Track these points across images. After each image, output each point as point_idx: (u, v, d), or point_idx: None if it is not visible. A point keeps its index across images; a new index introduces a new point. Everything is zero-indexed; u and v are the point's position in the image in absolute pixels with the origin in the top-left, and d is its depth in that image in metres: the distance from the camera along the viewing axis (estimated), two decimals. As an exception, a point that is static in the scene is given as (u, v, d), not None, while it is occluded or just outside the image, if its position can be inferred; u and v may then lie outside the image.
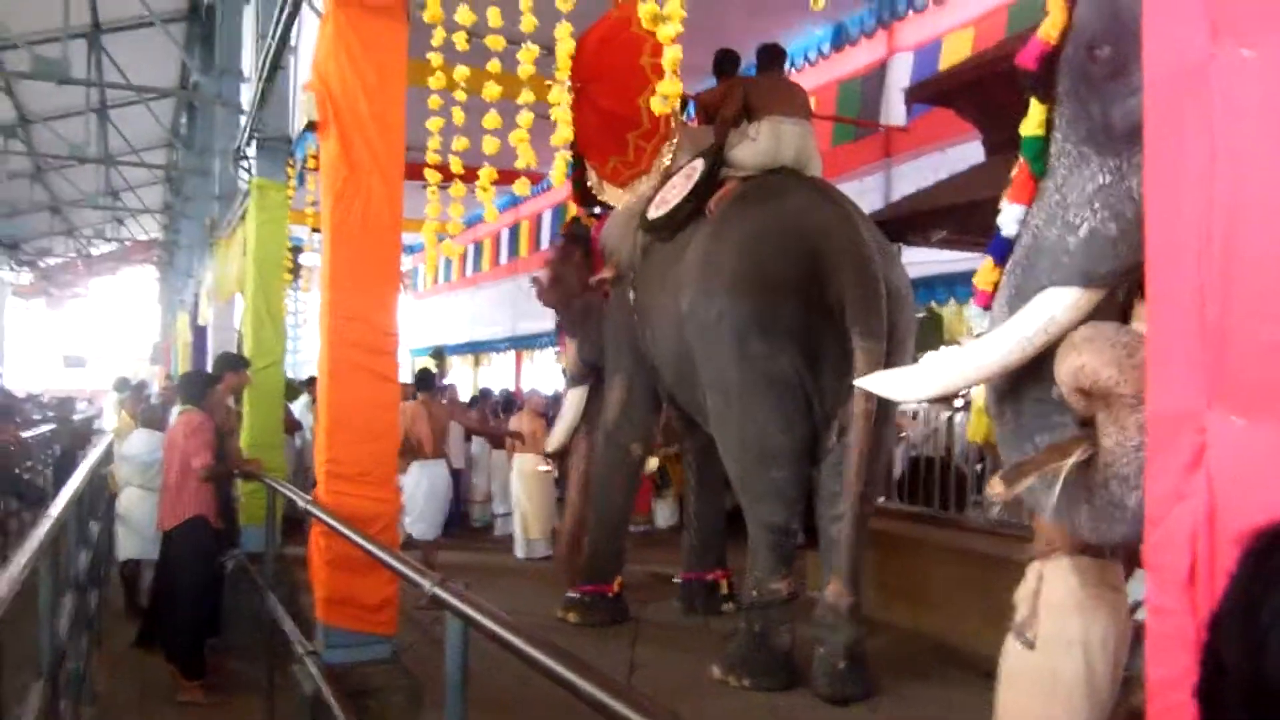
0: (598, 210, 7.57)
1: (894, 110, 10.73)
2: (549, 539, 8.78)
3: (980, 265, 2.89)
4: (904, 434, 8.31)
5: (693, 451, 7.31)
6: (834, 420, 5.31)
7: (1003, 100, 6.83)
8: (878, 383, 3.41)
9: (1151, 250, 1.74)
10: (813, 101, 11.64)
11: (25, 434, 11.52)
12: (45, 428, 12.92)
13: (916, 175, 10.02)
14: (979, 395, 2.90)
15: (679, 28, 2.47)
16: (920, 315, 12.56)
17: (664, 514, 10.70)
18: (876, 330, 5.03)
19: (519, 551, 9.01)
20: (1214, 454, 1.55)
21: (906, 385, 3.41)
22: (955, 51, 9.59)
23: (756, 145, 6.02)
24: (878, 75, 11.00)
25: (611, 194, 6.67)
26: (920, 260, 8.93)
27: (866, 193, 11.01)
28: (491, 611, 2.14)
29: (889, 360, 5.09)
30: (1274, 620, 0.50)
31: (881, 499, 7.68)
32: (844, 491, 5.06)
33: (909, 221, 7.27)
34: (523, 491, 9.01)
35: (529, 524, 8.97)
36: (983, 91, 6.79)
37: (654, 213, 6.32)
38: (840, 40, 10.79)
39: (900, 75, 10.57)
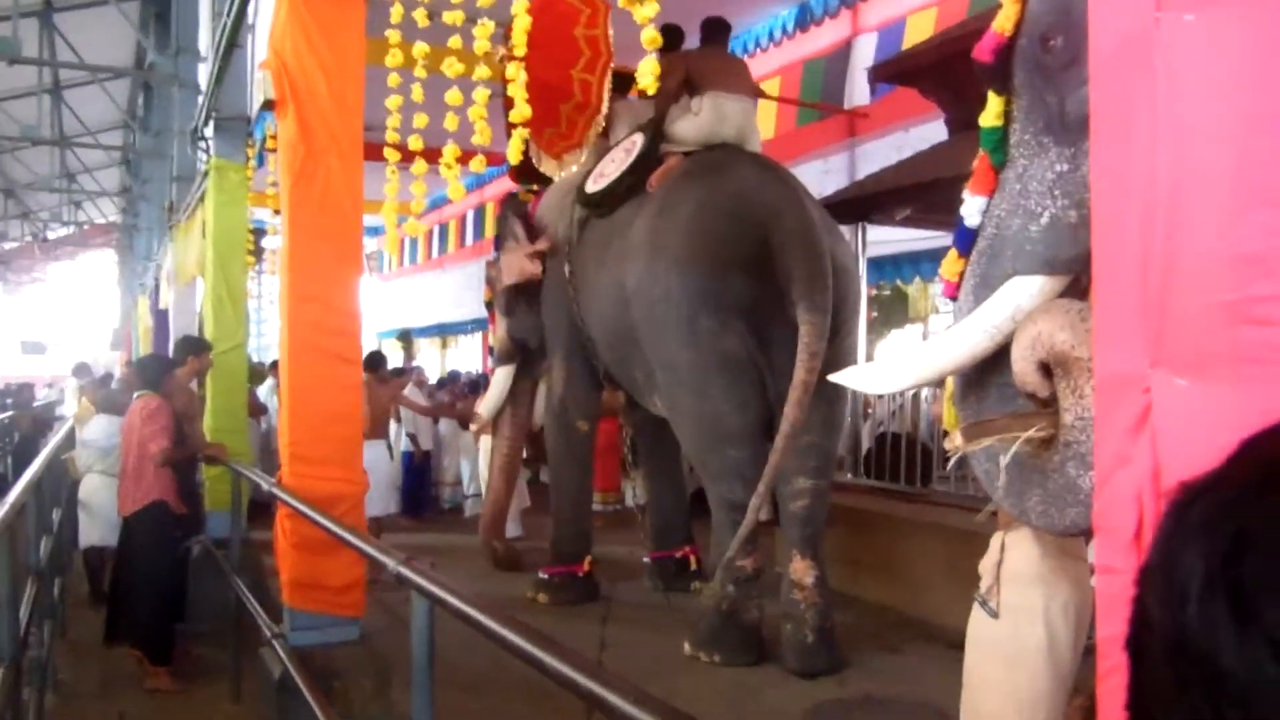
0: (535, 186, 7.47)
1: (858, 90, 10.75)
2: (518, 521, 8.77)
3: (945, 256, 2.91)
4: (870, 410, 8.38)
5: (638, 429, 7.30)
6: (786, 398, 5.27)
7: (965, 80, 6.92)
8: (851, 377, 3.43)
9: (1097, 216, 1.77)
10: (777, 82, 11.81)
11: (-18, 422, 11.36)
12: (3, 414, 12.71)
13: (881, 155, 10.05)
14: (950, 385, 2.92)
15: (657, 7, 2.47)
16: (886, 293, 12.80)
17: (634, 493, 10.70)
18: (821, 304, 5.01)
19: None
20: (1158, 415, 1.58)
21: (879, 379, 3.44)
22: (919, 31, 9.62)
23: (697, 120, 5.97)
24: (841, 55, 11.02)
25: (548, 166, 6.54)
26: (885, 239, 8.98)
27: (832, 172, 11.05)
28: (457, 590, 2.14)
29: (836, 335, 5.16)
30: (1191, 573, 0.51)
31: (849, 475, 7.77)
32: (769, 458, 4.92)
33: (873, 200, 7.30)
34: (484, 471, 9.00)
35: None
36: (945, 71, 6.83)
37: (592, 186, 6.22)
38: (805, 20, 10.79)
39: (864, 55, 10.60)
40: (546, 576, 6.78)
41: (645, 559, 7.35)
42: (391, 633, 5.24)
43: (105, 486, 6.97)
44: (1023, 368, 2.47)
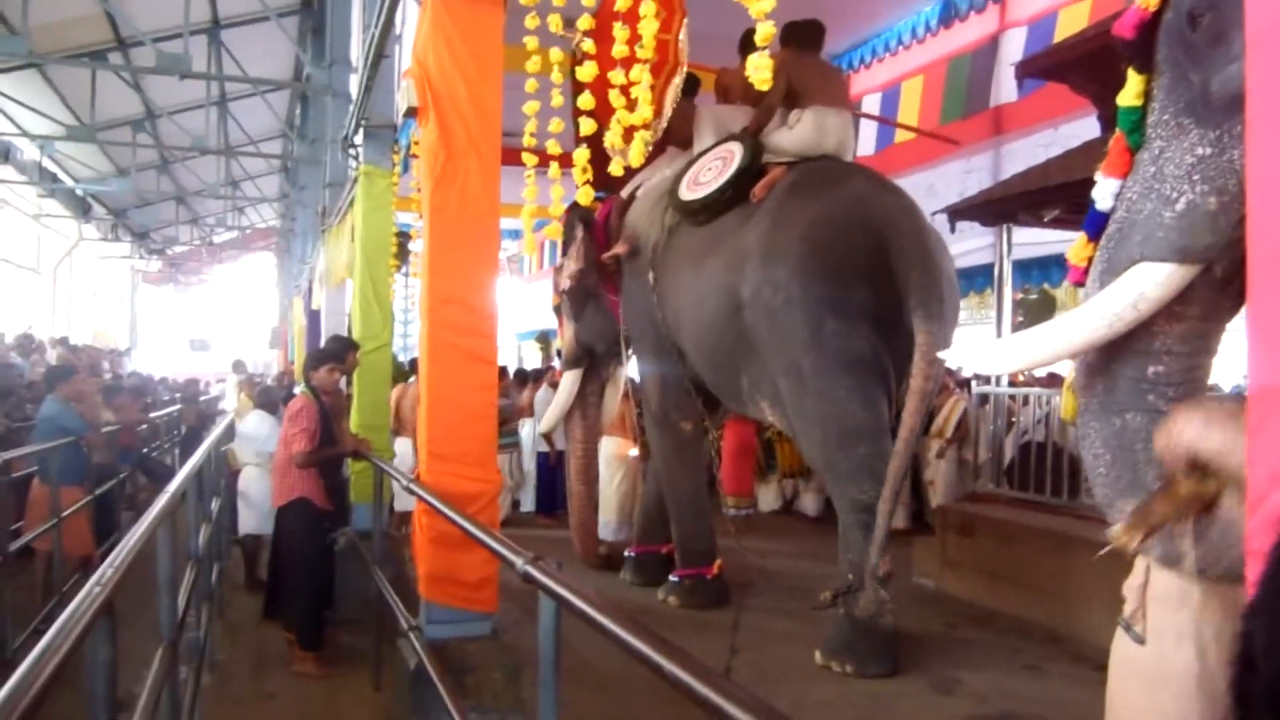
0: (600, 194, 7.44)
1: (1004, 87, 10.42)
2: (623, 523, 8.68)
3: (1075, 240, 2.79)
4: (1014, 419, 8.08)
5: (666, 434, 7.08)
6: (897, 398, 5.35)
7: (1121, 74, 6.60)
8: (964, 355, 3.34)
9: (1255, 207, 1.65)
10: (920, 80, 11.55)
11: (154, 414, 12.10)
12: (172, 409, 13.52)
13: (1027, 153, 9.73)
14: (1070, 374, 2.80)
15: (773, 2, 2.43)
16: (1033, 297, 12.33)
17: (768, 498, 10.61)
18: (938, 313, 5.07)
19: (602, 532, 9.03)
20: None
21: (992, 359, 3.34)
22: (1071, 25, 9.25)
23: (797, 133, 5.98)
24: (988, 51, 10.69)
25: (615, 168, 6.56)
26: (1031, 240, 8.67)
27: (974, 171, 10.74)
28: (582, 591, 2.15)
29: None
30: None
31: (990, 485, 7.52)
32: (892, 461, 5.00)
33: (1020, 200, 7.03)
34: (605, 473, 9.06)
35: (603, 505, 9.01)
36: (1098, 65, 6.52)
37: (688, 194, 6.20)
38: (949, 16, 10.50)
39: (1012, 51, 10.25)
40: (677, 579, 6.77)
41: (629, 552, 7.45)
42: (523, 628, 5.34)
43: (260, 478, 7.35)
44: (1170, 464, 2.32)
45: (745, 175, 5.89)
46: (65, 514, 6.38)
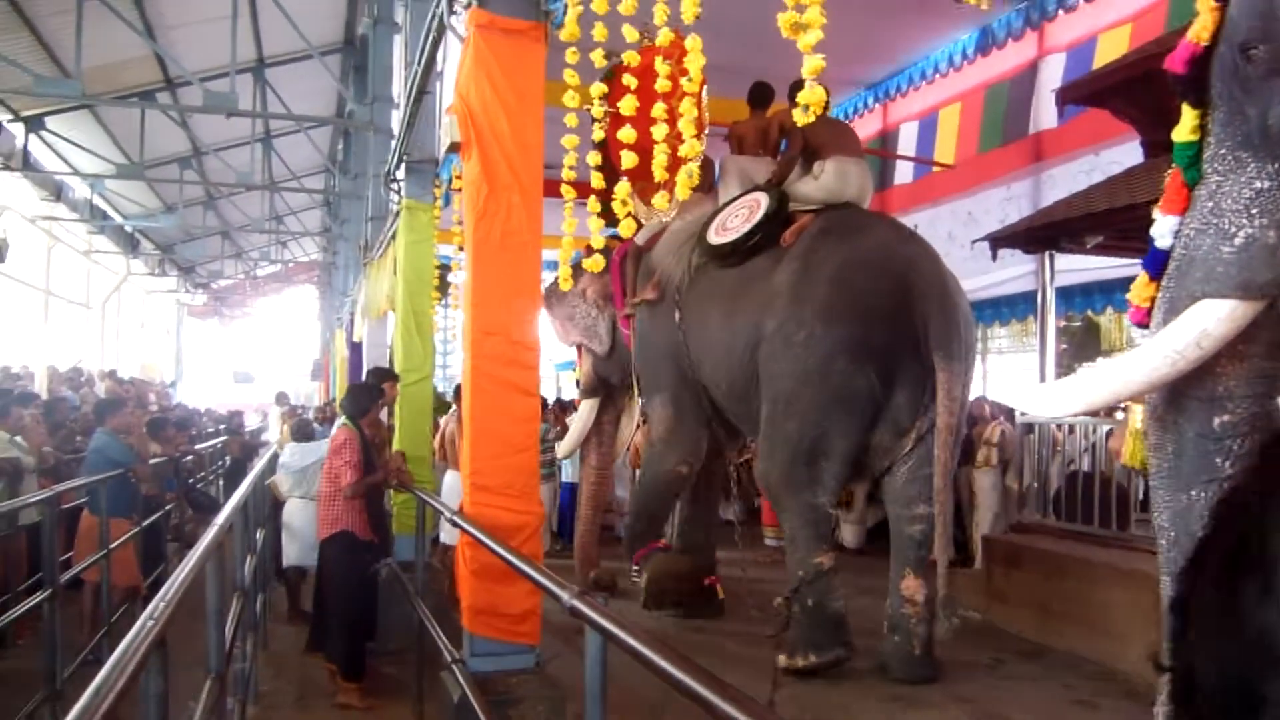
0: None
1: (1044, 113, 10.35)
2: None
3: (1136, 280, 2.75)
4: (1059, 447, 7.97)
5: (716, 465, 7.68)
6: (909, 431, 5.74)
7: (1164, 99, 6.54)
8: (1021, 397, 3.29)
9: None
10: (958, 108, 11.51)
11: (199, 446, 12.26)
12: (217, 440, 13.69)
13: (1068, 179, 9.65)
14: (1137, 416, 2.74)
15: (819, 34, 2.44)
16: (1076, 324, 12.18)
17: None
18: (957, 353, 5.51)
19: None
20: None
21: (1050, 401, 3.29)
22: (1111, 50, 9.17)
23: (822, 182, 6.42)
24: (1026, 78, 10.63)
25: (640, 211, 6.90)
26: (1074, 267, 8.58)
27: (1014, 198, 10.66)
28: (629, 625, 2.14)
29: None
30: None
31: (1037, 515, 7.41)
32: (935, 497, 5.50)
33: (1063, 227, 6.97)
34: None
35: None
36: (1141, 90, 6.49)
37: (716, 239, 6.61)
38: (986, 44, 10.44)
39: (1051, 77, 10.19)
40: (636, 568, 7.55)
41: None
42: (565, 660, 5.31)
43: (303, 509, 7.38)
44: None
45: (772, 221, 6.30)
46: (114, 545, 6.46)
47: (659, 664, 1.91)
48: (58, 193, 15.34)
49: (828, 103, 6.68)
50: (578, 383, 9.02)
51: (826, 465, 5.73)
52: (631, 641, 2.06)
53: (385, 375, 7.16)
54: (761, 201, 6.46)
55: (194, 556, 2.92)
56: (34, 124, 13.08)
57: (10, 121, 12.70)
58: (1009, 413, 10.17)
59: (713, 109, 6.61)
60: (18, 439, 7.18)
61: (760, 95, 7.25)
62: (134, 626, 1.95)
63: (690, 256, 6.93)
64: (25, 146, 12.97)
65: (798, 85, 6.42)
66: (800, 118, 2.59)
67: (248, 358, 38.30)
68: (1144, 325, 2.71)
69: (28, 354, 15.80)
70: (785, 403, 5.85)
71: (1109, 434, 7.10)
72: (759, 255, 6.37)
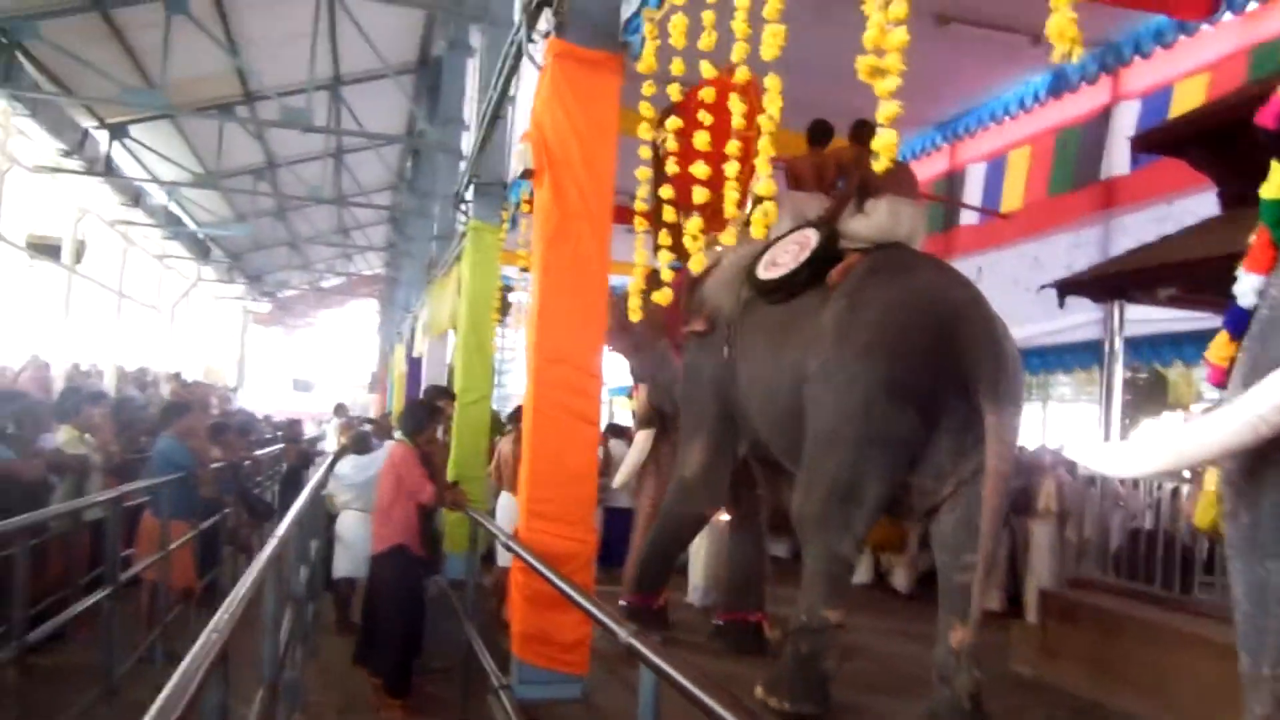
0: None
1: (1116, 159, 10.21)
2: (710, 589, 8.61)
3: (1214, 339, 2.67)
4: (1121, 502, 7.79)
5: (748, 494, 7.53)
6: (950, 475, 5.62)
7: (1245, 150, 6.41)
8: (1092, 456, 3.20)
9: None
10: (1027, 151, 11.40)
11: (257, 452, 12.46)
12: (274, 447, 13.89)
13: (1138, 228, 9.48)
14: (1211, 478, 2.64)
15: (898, 81, 2.43)
16: (1142, 376, 11.94)
17: (858, 571, 10.26)
18: (1006, 398, 5.38)
19: (690, 596, 8.94)
20: None
21: (1122, 460, 3.19)
22: (1187, 98, 9.02)
23: (873, 220, 6.33)
24: (1099, 123, 10.49)
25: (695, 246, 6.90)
26: (1142, 318, 8.41)
27: (1083, 244, 10.50)
28: (685, 667, 2.13)
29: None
30: None
31: (1096, 572, 7.24)
32: (980, 543, 5.32)
33: (1135, 277, 6.85)
34: (695, 539, 9.00)
35: (692, 569, 8.97)
36: (1221, 141, 6.37)
37: (765, 274, 6.56)
38: (1059, 87, 10.33)
39: (1125, 123, 10.04)
40: (624, 603, 7.34)
41: (717, 620, 7.53)
42: (608, 690, 5.30)
43: (358, 522, 7.46)
44: None
45: (820, 259, 6.24)
46: (173, 547, 6.59)
47: (713, 707, 1.90)
48: (136, 199, 15.77)
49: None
50: (633, 414, 8.99)
51: (857, 511, 5.63)
52: (686, 684, 2.05)
53: (442, 394, 7.24)
54: (811, 238, 6.43)
55: (255, 567, 2.96)
56: (118, 132, 13.49)
57: (96, 129, 13.11)
58: (1069, 463, 9.99)
59: (778, 142, 6.62)
60: (87, 437, 7.36)
61: (820, 132, 7.22)
62: (198, 640, 1.98)
63: (740, 291, 6.91)
64: (109, 153, 13.37)
65: (860, 125, 6.52)
66: (877, 166, 2.57)
67: (307, 366, 38.96)
68: (1221, 386, 2.63)
69: (98, 353, 16.22)
70: (825, 440, 5.79)
71: (1174, 491, 6.93)
72: (807, 293, 6.33)
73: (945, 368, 5.50)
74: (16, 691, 3.86)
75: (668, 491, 7.71)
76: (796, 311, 6.34)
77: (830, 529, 5.67)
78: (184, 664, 1.80)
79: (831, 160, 7.00)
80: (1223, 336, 2.64)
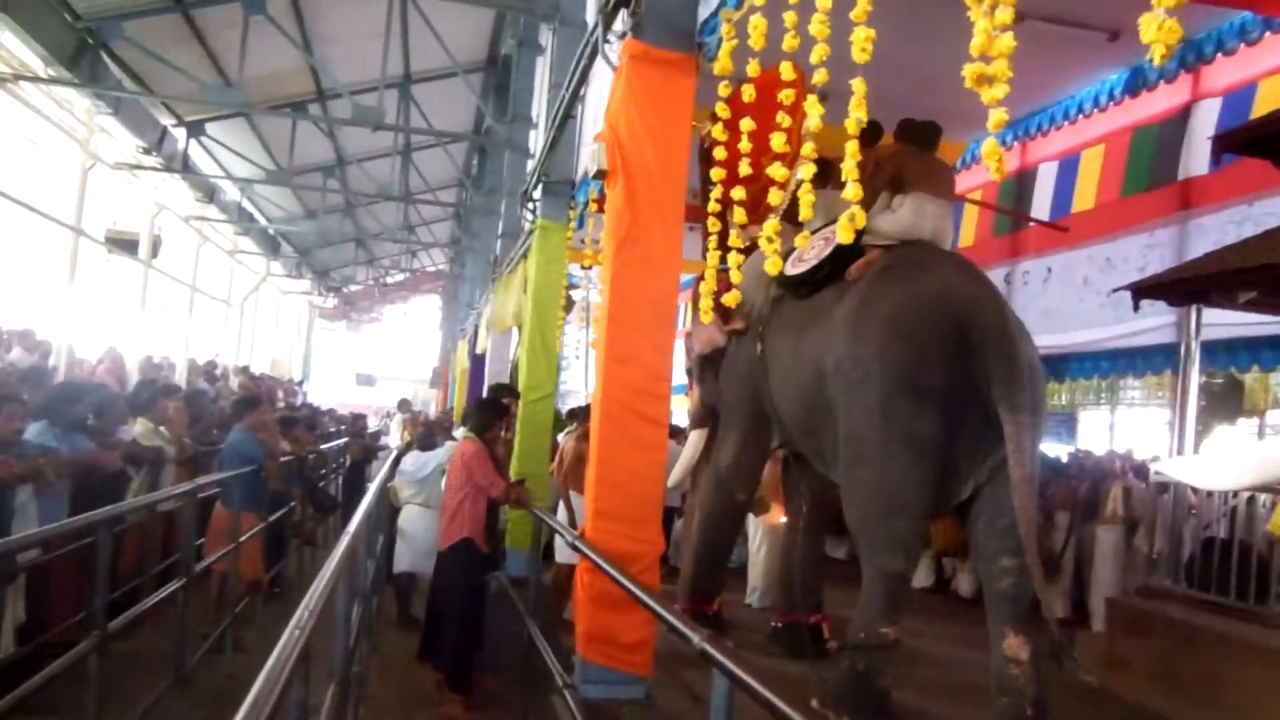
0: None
1: (1195, 159, 9.92)
2: (768, 590, 8.59)
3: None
4: (1194, 510, 7.59)
5: (803, 494, 7.54)
6: (969, 479, 5.55)
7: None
8: (1179, 469, 3.11)
9: None
10: (1101, 150, 11.14)
11: (322, 446, 12.67)
12: (338, 441, 14.12)
13: (1217, 229, 9.23)
14: None
15: (1006, 88, 2.38)
16: (1218, 382, 11.62)
17: (920, 574, 10.16)
18: (1021, 404, 5.24)
19: (749, 598, 8.93)
20: None
21: (1211, 474, 3.09)
22: (1271, 97, 8.74)
23: (897, 217, 6.29)
24: (1178, 122, 10.20)
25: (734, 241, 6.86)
26: (1218, 322, 8.17)
27: (1157, 246, 10.24)
28: (758, 672, 2.12)
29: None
30: None
31: (1168, 581, 7.07)
32: (1025, 549, 5.15)
33: (1215, 280, 6.65)
34: (754, 540, 9.01)
35: (751, 572, 8.97)
36: (1308, 141, 6.18)
37: (791, 270, 6.55)
38: (1136, 85, 10.06)
39: (1204, 122, 9.76)
40: (680, 610, 7.11)
41: (776, 623, 7.49)
42: (669, 691, 5.29)
43: (420, 516, 7.56)
44: None
45: (843, 254, 6.20)
46: (243, 539, 6.72)
47: (789, 714, 1.89)
48: (210, 195, 16.14)
49: (937, 137, 6.73)
50: (689, 413, 9.01)
51: (902, 522, 5.53)
52: (761, 690, 2.04)
53: (507, 392, 7.29)
54: (836, 233, 6.40)
55: (330, 564, 3.00)
56: (195, 129, 13.82)
57: (174, 126, 13.43)
58: (1138, 469, 9.75)
59: (822, 139, 6.56)
60: (161, 429, 7.54)
61: (870, 134, 7.10)
62: (282, 637, 2.01)
63: (769, 288, 6.94)
64: (185, 150, 13.69)
65: (906, 123, 6.42)
66: (993, 175, 2.50)
67: (371, 362, 39.52)
68: None
69: (170, 346, 16.63)
70: (856, 445, 5.75)
71: (1249, 499, 6.73)
72: (828, 288, 6.35)
73: (958, 370, 5.42)
74: (96, 679, 3.96)
75: (703, 489, 7.83)
76: (818, 307, 6.36)
77: (880, 547, 5.60)
78: (270, 661, 1.83)
79: (871, 158, 6.86)
80: None
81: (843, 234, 3.15)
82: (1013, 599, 5.37)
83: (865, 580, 5.68)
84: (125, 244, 13.97)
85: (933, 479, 5.52)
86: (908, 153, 6.44)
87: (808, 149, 3.88)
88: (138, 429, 7.30)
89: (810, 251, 6.53)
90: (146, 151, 12.56)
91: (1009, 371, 5.31)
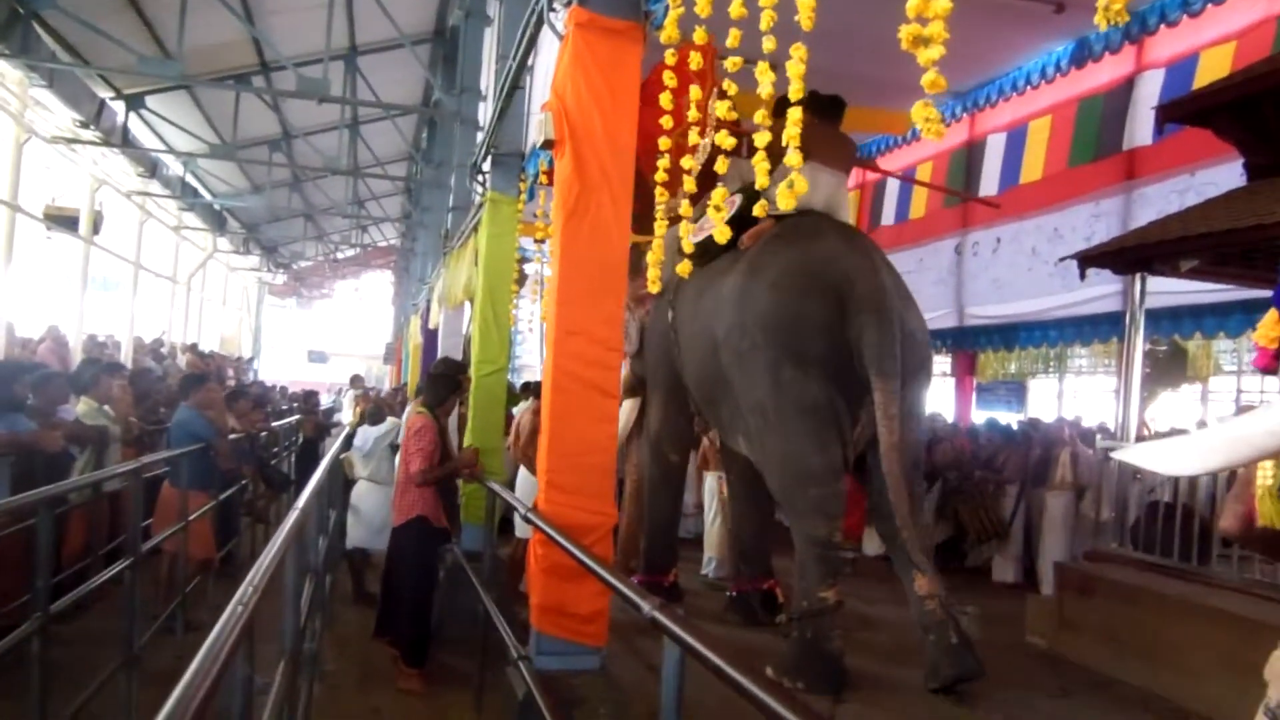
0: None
1: (1138, 129, 10.08)
2: (723, 560, 8.66)
3: (1263, 319, 2.60)
4: (1138, 474, 7.74)
5: (729, 462, 7.73)
6: (851, 443, 5.82)
7: (1271, 120, 6.32)
8: (1138, 455, 3.09)
9: None
10: (1048, 121, 11.27)
11: (274, 423, 12.51)
12: (290, 418, 13.95)
13: (1160, 199, 9.41)
14: (1269, 475, 2.50)
15: (942, 50, 2.37)
16: (1163, 348, 11.84)
17: (873, 543, 10.34)
18: (889, 370, 5.44)
19: (704, 569, 8.98)
20: None
21: (1169, 459, 3.07)
22: (1213, 68, 8.89)
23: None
24: (1122, 93, 10.35)
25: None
26: (1161, 290, 8.32)
27: (1103, 215, 10.41)
28: (710, 640, 2.12)
29: (903, 396, 5.56)
30: None
31: (1114, 544, 7.22)
32: (896, 514, 5.45)
33: (1158, 248, 6.76)
34: (709, 511, 9.08)
35: (707, 542, 9.04)
36: (1249, 111, 6.27)
37: (691, 238, 6.59)
38: (1082, 56, 10.15)
39: (1148, 93, 9.91)
40: (636, 581, 7.29)
41: (730, 592, 7.62)
42: (624, 661, 5.32)
43: (370, 492, 7.52)
44: None
45: (737, 223, 6.21)
46: (192, 517, 6.62)
47: (739, 680, 1.90)
48: (153, 169, 15.75)
49: (841, 110, 6.95)
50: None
51: (817, 491, 5.66)
52: (711, 656, 2.05)
53: (459, 368, 7.23)
54: (735, 203, 6.54)
55: (277, 540, 2.96)
56: (134, 102, 13.45)
57: (113, 99, 13.08)
58: (1085, 435, 9.94)
59: (742, 104, 6.55)
60: (105, 408, 7.39)
61: (830, 107, 7.20)
62: (224, 613, 1.98)
63: (675, 257, 6.99)
64: (125, 124, 13.35)
65: (812, 95, 6.43)
66: (931, 134, 2.45)
67: (323, 338, 39.07)
68: (1270, 370, 2.55)
69: (115, 324, 16.28)
70: (759, 415, 5.91)
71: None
72: (723, 257, 6.50)
73: (836, 338, 5.60)
74: (40, 660, 3.89)
75: (639, 454, 8.09)
76: (710, 277, 6.58)
77: (803, 516, 5.74)
78: (210, 637, 1.80)
79: (777, 128, 6.93)
80: (1271, 315, 2.57)
81: (782, 202, 3.14)
82: (914, 549, 5.60)
83: (797, 549, 5.85)
84: (65, 220, 13.60)
85: (834, 443, 5.73)
86: (808, 123, 6.49)
87: (723, 109, 3.95)
88: (80, 408, 7.14)
89: (709, 222, 6.61)
90: (84, 125, 12.20)
91: (880, 338, 5.49)
